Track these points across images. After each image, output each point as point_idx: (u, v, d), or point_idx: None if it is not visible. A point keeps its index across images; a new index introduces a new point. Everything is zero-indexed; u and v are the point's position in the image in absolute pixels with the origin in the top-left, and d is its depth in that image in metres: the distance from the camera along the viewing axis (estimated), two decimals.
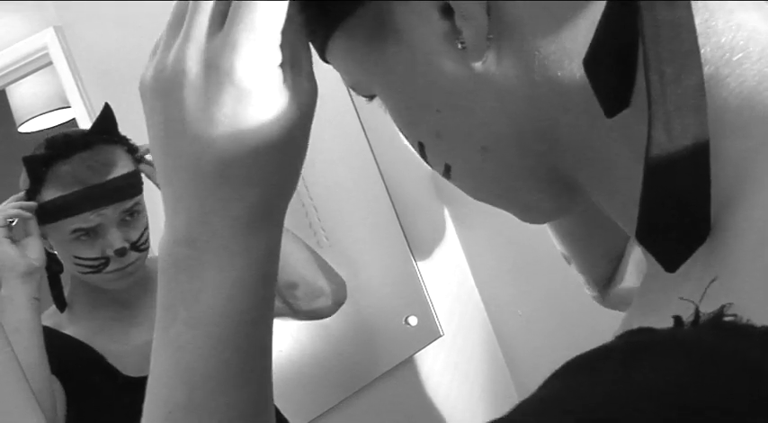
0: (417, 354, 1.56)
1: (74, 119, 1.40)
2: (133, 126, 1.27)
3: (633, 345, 0.27)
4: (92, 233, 1.07)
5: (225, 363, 0.41)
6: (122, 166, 1.10)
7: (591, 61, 0.34)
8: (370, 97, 0.45)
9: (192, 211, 0.40)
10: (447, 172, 0.44)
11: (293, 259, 1.23)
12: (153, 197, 1.17)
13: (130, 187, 1.11)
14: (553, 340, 1.58)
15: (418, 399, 1.54)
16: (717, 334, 0.25)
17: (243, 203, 0.40)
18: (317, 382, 1.43)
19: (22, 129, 1.73)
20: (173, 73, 0.40)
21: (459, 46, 0.37)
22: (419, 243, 1.58)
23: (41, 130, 1.69)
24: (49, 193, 1.05)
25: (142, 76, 0.43)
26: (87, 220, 1.06)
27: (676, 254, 0.32)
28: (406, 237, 1.55)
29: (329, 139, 1.48)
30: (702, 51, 0.33)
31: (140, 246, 1.11)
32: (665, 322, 0.28)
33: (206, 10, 0.39)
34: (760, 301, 0.26)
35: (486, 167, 0.42)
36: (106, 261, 1.08)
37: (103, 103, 1.16)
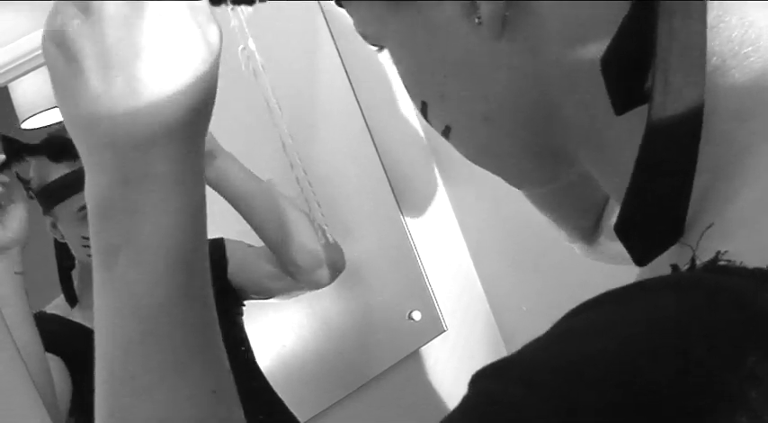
0: (421, 349, 1.56)
1: None
2: None
3: (632, 288, 0.28)
4: None
5: (174, 289, 0.42)
6: None
7: (608, 60, 0.34)
8: (380, 48, 0.47)
9: (123, 150, 0.41)
10: (446, 132, 0.45)
11: (291, 222, 1.23)
12: None
13: None
14: None
15: (422, 394, 1.54)
16: (711, 274, 0.27)
17: (170, 131, 0.42)
18: (320, 377, 1.43)
19: (25, 125, 1.73)
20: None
21: (477, 20, 0.38)
22: (423, 238, 1.58)
23: (44, 127, 1.69)
24: (57, 172, 1.06)
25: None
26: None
27: (648, 250, 0.34)
28: (409, 232, 1.55)
29: (333, 136, 1.48)
30: (712, 44, 0.34)
31: None
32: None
33: None
34: (756, 248, 0.28)
35: (486, 135, 0.43)
36: None
37: None
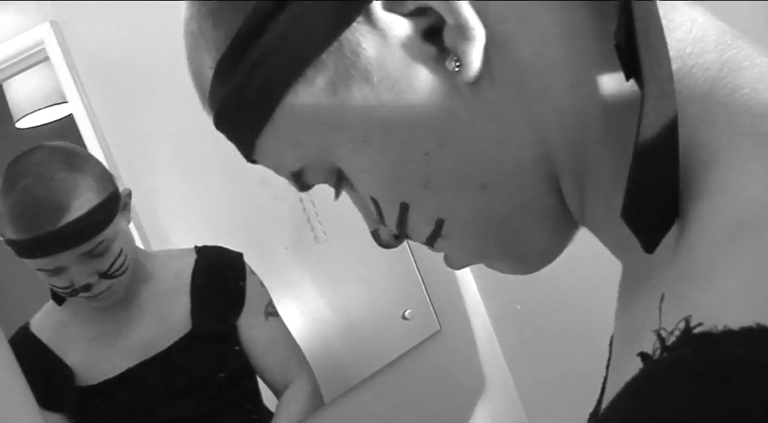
0: (415, 348, 1.56)
1: (71, 114, 1.40)
2: (128, 121, 1.28)
3: (636, 389, 0.26)
4: (56, 271, 1.04)
5: None
6: (81, 205, 1.02)
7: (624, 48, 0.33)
8: (336, 178, 0.41)
9: None
10: (438, 230, 0.40)
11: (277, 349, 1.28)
12: (148, 205, 1.17)
13: (89, 228, 1.02)
14: (551, 334, 1.58)
15: (416, 393, 1.55)
16: (700, 348, 0.24)
17: None
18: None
19: (19, 124, 1.73)
20: None
21: (453, 65, 0.35)
22: None
23: (39, 126, 1.69)
24: (8, 232, 1.01)
25: None
26: (44, 263, 1.03)
27: (654, 234, 0.33)
28: None
29: None
30: (669, 46, 0.34)
31: (113, 273, 1.08)
32: (645, 332, 0.28)
33: None
34: (731, 298, 0.26)
35: (488, 207, 0.39)
36: (77, 290, 1.06)
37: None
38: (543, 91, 0.36)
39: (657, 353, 0.26)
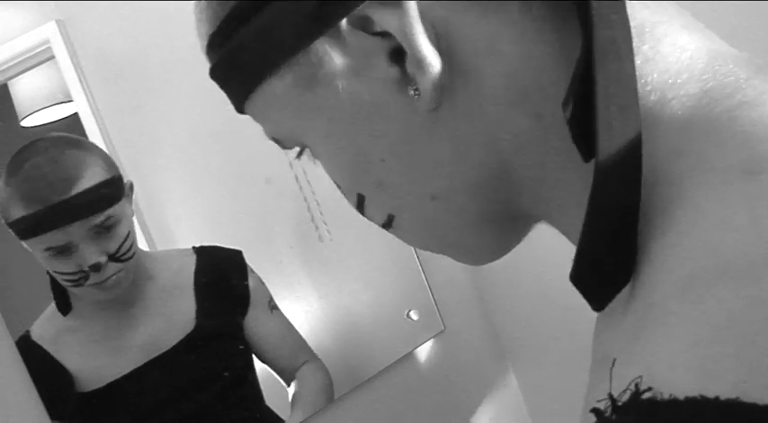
0: (419, 348, 1.56)
1: (76, 113, 1.40)
2: (135, 121, 1.28)
3: None
4: (64, 251, 1.03)
5: None
6: (90, 177, 1.04)
7: (571, 111, 0.33)
8: (300, 150, 0.43)
9: None
10: (389, 222, 0.42)
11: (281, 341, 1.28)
12: (153, 205, 1.17)
13: (100, 200, 1.04)
14: (554, 334, 1.58)
15: (420, 393, 1.55)
16: (643, 419, 0.25)
17: None
18: None
19: (24, 123, 1.73)
20: None
21: (412, 93, 0.36)
22: None
23: (44, 125, 1.70)
24: (15, 211, 1.01)
25: None
26: (54, 239, 1.02)
27: (604, 293, 0.32)
28: None
29: None
30: (649, 79, 0.34)
31: (121, 256, 1.07)
32: (626, 331, 0.29)
33: None
34: (679, 363, 0.25)
35: (435, 216, 0.40)
36: (85, 275, 1.05)
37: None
38: (504, 120, 0.36)
39: (609, 411, 0.27)
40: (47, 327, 1.11)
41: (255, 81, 0.39)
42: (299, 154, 0.44)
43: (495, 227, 0.42)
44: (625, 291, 0.32)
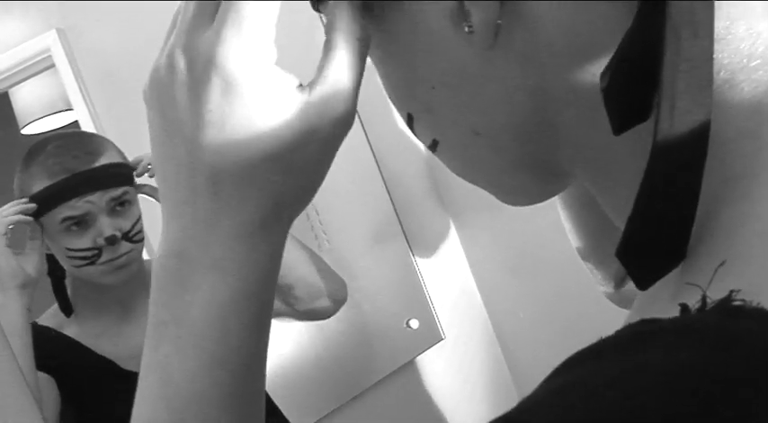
0: (419, 357, 1.56)
1: (76, 121, 1.41)
2: (135, 129, 1.28)
3: (639, 334, 0.26)
4: (81, 223, 1.06)
5: (214, 386, 0.38)
6: (110, 156, 1.10)
7: (608, 77, 0.33)
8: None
9: (185, 222, 0.38)
10: (433, 146, 0.43)
11: (291, 259, 1.22)
12: (151, 212, 1.17)
13: (118, 175, 1.10)
14: (555, 342, 1.58)
15: (420, 402, 1.54)
16: (726, 318, 0.25)
17: (236, 217, 0.38)
18: (318, 385, 1.43)
19: (24, 131, 1.74)
20: (164, 72, 0.38)
21: (466, 29, 0.36)
22: (420, 246, 1.58)
23: (44, 132, 1.70)
24: (38, 185, 1.06)
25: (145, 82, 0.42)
26: (75, 207, 1.05)
27: (650, 273, 0.32)
28: (407, 239, 1.55)
29: None
30: (720, 57, 0.33)
31: (132, 236, 1.10)
32: (671, 311, 0.27)
33: (194, 7, 0.38)
34: None
35: (476, 150, 0.41)
36: (98, 252, 1.07)
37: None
38: (558, 73, 0.36)
39: (696, 308, 0.27)
40: (51, 321, 1.13)
41: None
42: None
43: (535, 174, 0.42)
44: (672, 273, 0.32)
